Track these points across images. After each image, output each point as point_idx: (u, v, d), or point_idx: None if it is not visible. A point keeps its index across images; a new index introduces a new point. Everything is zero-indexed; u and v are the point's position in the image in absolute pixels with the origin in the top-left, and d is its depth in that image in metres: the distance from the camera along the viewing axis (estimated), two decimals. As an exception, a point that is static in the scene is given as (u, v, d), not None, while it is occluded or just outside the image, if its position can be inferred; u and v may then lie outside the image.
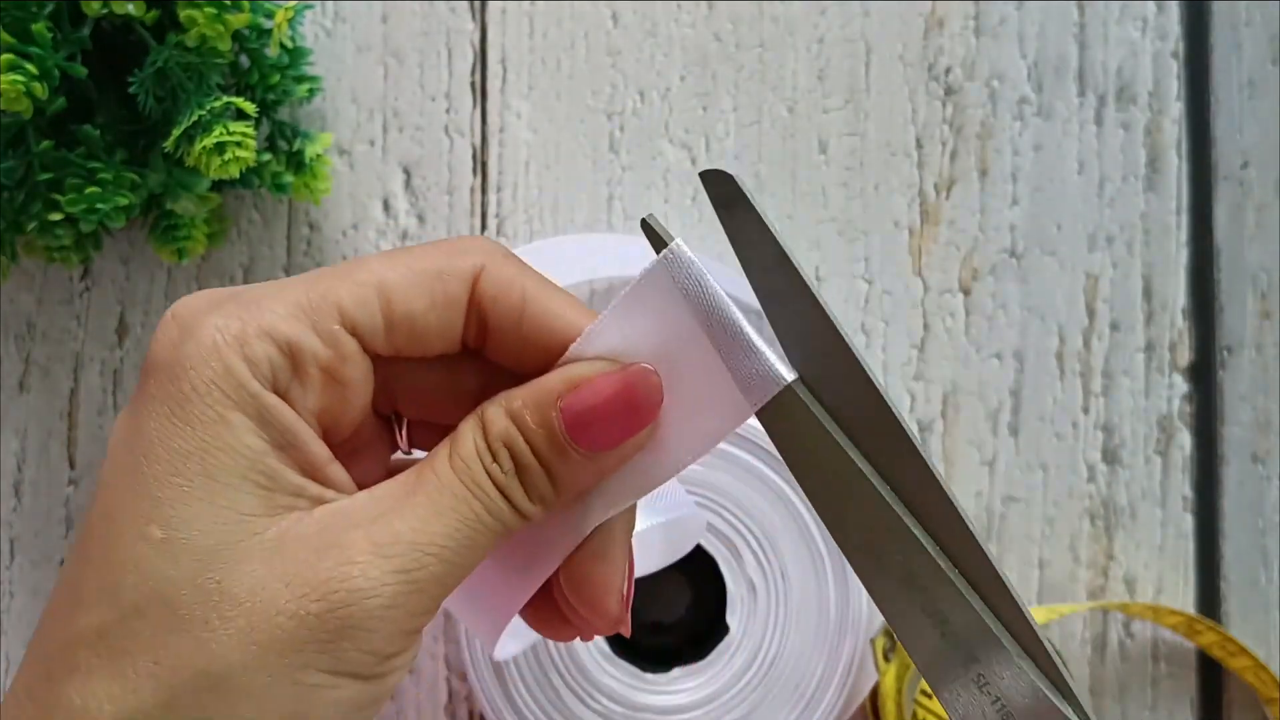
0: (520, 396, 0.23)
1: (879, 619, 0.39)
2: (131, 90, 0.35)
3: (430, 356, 0.24)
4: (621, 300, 0.23)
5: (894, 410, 0.23)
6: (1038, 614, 0.39)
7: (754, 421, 0.36)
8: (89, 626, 0.21)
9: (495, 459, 0.23)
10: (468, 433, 0.23)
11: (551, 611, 0.25)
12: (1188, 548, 0.41)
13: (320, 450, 0.23)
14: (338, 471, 0.23)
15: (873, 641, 0.38)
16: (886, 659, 0.38)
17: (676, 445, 0.24)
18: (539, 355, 0.24)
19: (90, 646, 0.21)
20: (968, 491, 0.41)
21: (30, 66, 0.33)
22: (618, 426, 0.23)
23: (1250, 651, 0.39)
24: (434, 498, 0.22)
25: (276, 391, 0.22)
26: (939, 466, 0.41)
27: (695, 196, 0.42)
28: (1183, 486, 0.41)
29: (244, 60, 0.38)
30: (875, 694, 0.39)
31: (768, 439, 0.37)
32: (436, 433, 0.24)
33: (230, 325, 0.22)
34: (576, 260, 0.40)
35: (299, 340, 0.22)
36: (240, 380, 0.21)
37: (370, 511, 0.22)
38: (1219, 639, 0.39)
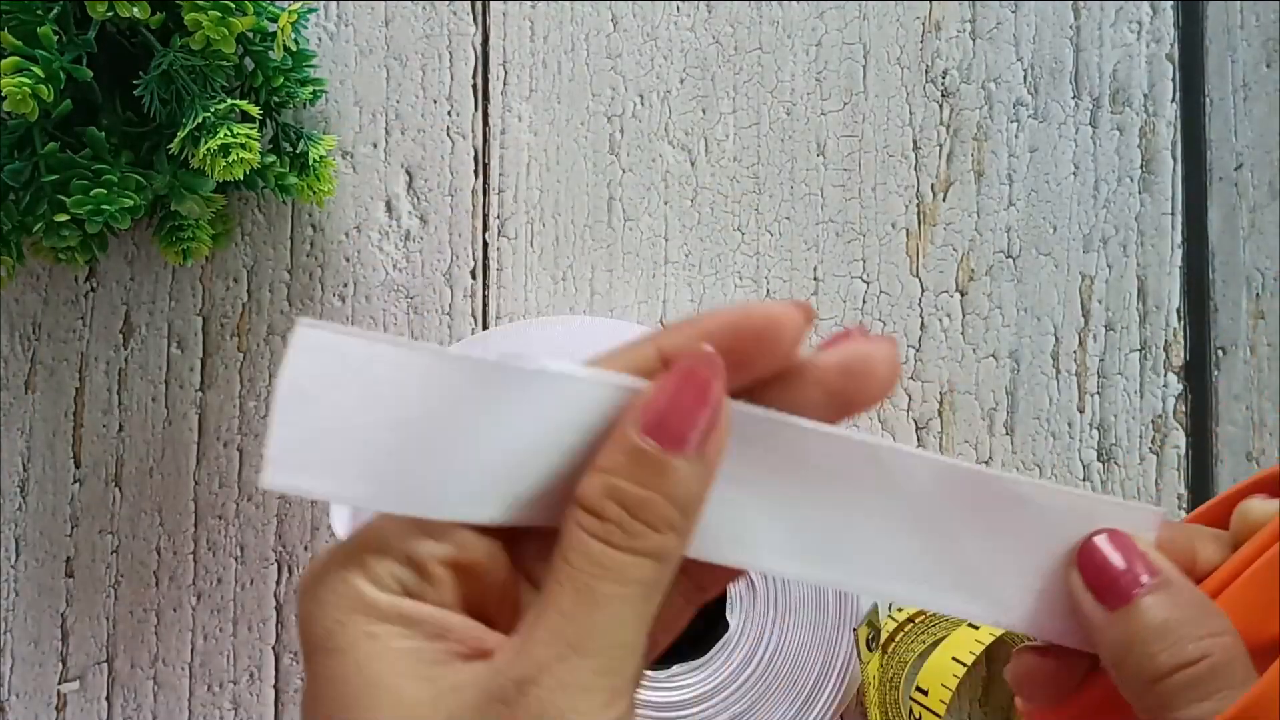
0: (599, 456, 0.23)
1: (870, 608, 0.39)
2: (137, 93, 0.35)
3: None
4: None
5: None
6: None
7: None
8: None
9: (604, 519, 0.23)
10: (567, 524, 0.23)
11: None
12: (1182, 546, 0.42)
13: (482, 635, 0.23)
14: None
15: (856, 630, 0.38)
16: (870, 648, 0.38)
17: None
18: None
19: None
20: (964, 490, 0.41)
21: (36, 69, 0.33)
22: (695, 407, 0.23)
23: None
24: (560, 607, 0.22)
25: (412, 598, 0.23)
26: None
27: (695, 198, 0.42)
28: (1177, 485, 0.42)
29: (248, 63, 0.38)
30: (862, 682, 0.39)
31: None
32: None
33: (347, 560, 0.23)
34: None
35: (415, 549, 0.23)
36: (371, 598, 0.22)
37: (517, 644, 0.22)
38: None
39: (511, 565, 0.24)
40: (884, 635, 0.40)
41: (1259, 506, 0.27)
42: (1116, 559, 0.26)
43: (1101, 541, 0.26)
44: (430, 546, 0.23)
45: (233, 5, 0.35)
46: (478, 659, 0.23)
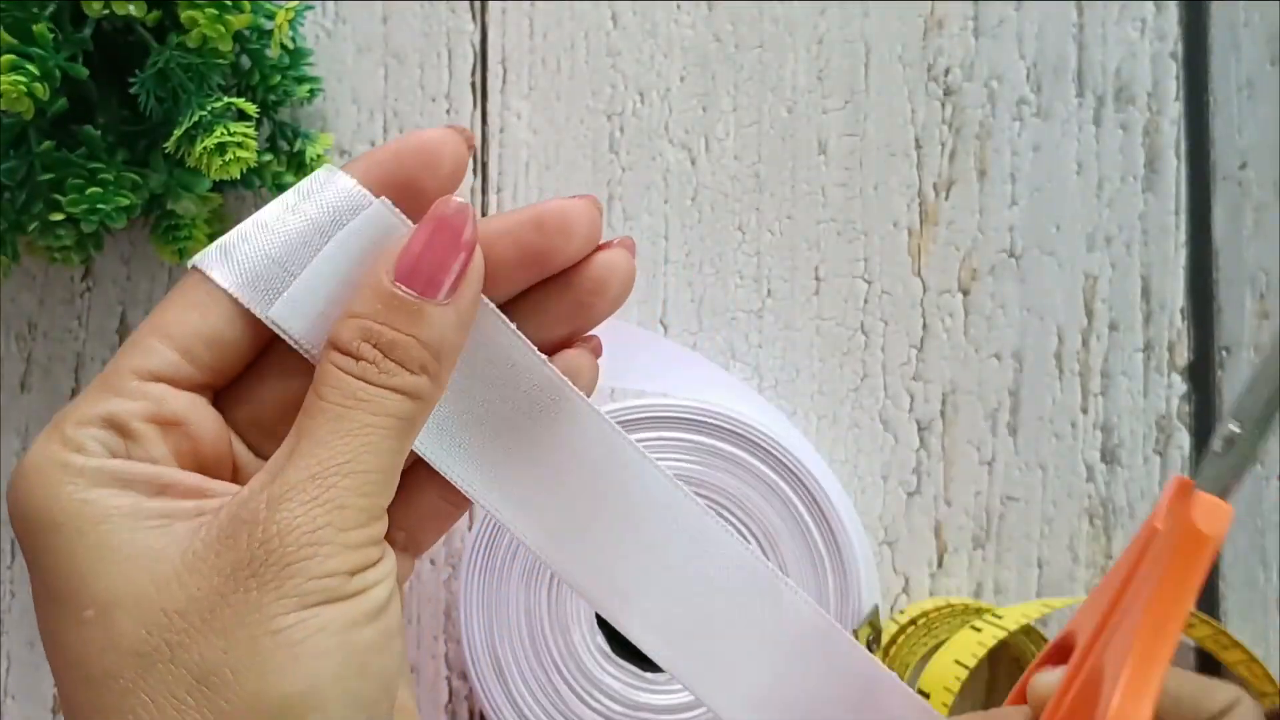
0: (352, 301, 0.24)
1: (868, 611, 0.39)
2: (132, 91, 0.35)
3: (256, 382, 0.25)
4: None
5: None
6: (1031, 608, 0.39)
7: (758, 424, 0.36)
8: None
9: (359, 358, 0.23)
10: (322, 365, 0.23)
11: None
12: (1186, 547, 0.41)
13: (204, 484, 0.23)
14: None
15: (856, 632, 0.38)
16: (871, 649, 0.38)
17: None
18: None
19: None
20: (967, 491, 0.41)
21: (32, 67, 0.33)
22: (447, 255, 0.24)
23: (1242, 645, 0.39)
24: (315, 436, 0.22)
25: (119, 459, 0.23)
26: (938, 466, 0.41)
27: (695, 197, 0.42)
28: (1181, 486, 0.41)
29: (245, 61, 0.38)
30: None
31: (770, 440, 0.37)
32: None
33: (46, 439, 0.23)
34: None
35: (108, 409, 0.23)
36: (77, 465, 0.22)
37: (265, 478, 0.22)
38: (1212, 632, 0.40)
39: (223, 424, 0.25)
40: (886, 638, 0.40)
41: (1044, 680, 0.28)
42: None
43: None
44: (124, 404, 0.23)
45: (229, 3, 0.34)
46: (206, 502, 0.23)
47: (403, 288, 0.23)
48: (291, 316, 0.24)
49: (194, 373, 0.24)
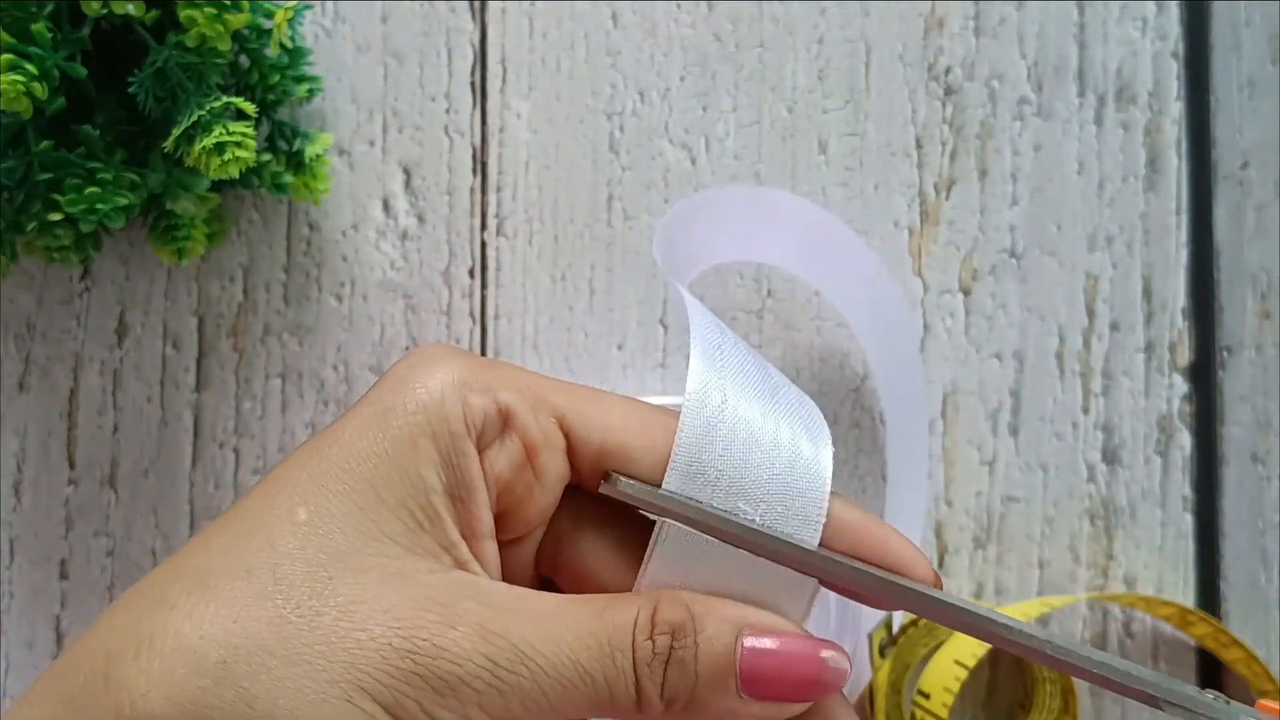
0: (707, 602, 0.23)
1: (878, 616, 0.39)
2: (131, 90, 0.35)
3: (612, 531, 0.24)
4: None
5: None
6: (1031, 607, 0.39)
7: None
8: (198, 567, 0.21)
9: (651, 636, 0.22)
10: (633, 601, 0.22)
11: None
12: (1188, 548, 0.41)
13: (486, 518, 0.23)
14: (491, 550, 0.23)
15: (870, 635, 0.38)
16: (882, 654, 0.38)
17: None
18: None
19: (185, 584, 0.21)
20: (968, 491, 0.41)
21: (30, 66, 0.33)
22: (791, 692, 0.23)
23: (1242, 643, 0.39)
24: (561, 629, 0.22)
25: (478, 447, 0.23)
26: (939, 467, 0.41)
27: (695, 196, 0.42)
28: (1182, 486, 0.41)
29: (244, 60, 0.37)
30: (872, 688, 0.39)
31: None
32: None
33: (462, 373, 0.23)
34: None
35: (516, 409, 0.23)
36: (447, 416, 0.22)
37: (498, 601, 0.22)
38: (1212, 630, 0.39)
39: (545, 536, 0.24)
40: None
41: None
42: None
43: None
44: (529, 418, 0.23)
45: (228, 2, 0.34)
46: (439, 556, 0.23)
47: (741, 659, 0.22)
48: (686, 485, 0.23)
49: (591, 466, 0.24)
